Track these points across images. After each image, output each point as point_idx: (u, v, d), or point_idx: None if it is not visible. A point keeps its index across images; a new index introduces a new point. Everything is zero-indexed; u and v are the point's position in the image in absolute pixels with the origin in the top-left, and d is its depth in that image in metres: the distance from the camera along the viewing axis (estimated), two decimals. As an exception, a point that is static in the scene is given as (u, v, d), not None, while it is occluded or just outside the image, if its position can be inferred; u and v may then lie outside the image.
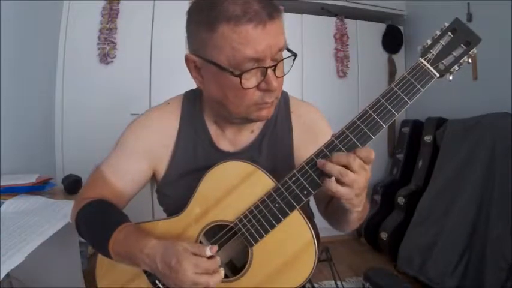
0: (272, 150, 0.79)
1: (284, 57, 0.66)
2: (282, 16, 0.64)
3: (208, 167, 0.70)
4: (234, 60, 0.60)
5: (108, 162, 0.79)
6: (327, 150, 0.62)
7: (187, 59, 0.68)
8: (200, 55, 0.65)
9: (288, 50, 0.66)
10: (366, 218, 0.78)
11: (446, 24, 0.63)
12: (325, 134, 0.79)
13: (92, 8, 2.12)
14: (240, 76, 0.61)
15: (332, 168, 0.58)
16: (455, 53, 0.63)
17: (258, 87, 0.64)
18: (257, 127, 0.80)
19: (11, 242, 0.90)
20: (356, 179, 0.57)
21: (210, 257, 0.63)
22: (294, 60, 0.67)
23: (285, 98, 0.82)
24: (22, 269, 0.84)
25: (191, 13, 0.66)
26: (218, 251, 0.71)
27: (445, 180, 2.07)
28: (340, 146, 0.62)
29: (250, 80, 0.63)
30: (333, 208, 0.74)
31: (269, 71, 0.62)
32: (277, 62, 0.63)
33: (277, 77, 0.64)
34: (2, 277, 0.74)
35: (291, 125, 0.80)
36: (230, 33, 0.59)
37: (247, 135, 0.79)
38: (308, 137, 0.79)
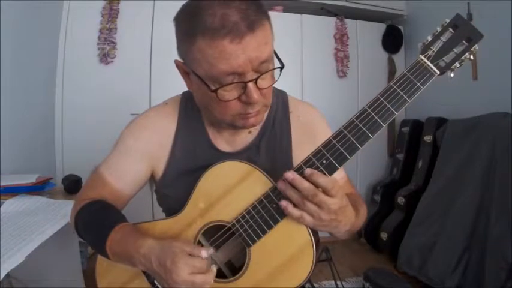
0: (270, 150, 0.78)
1: (269, 69, 0.62)
2: (268, 23, 0.61)
3: (207, 167, 0.70)
4: (211, 74, 0.59)
5: (107, 163, 0.79)
6: (325, 150, 0.62)
7: (176, 64, 0.69)
8: (185, 62, 0.65)
9: (277, 57, 0.64)
10: (366, 218, 0.77)
11: (447, 20, 0.61)
12: (323, 134, 0.78)
13: (92, 8, 2.12)
14: (215, 92, 0.60)
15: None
16: (457, 50, 0.61)
17: (239, 99, 0.63)
18: (255, 128, 0.79)
19: (11, 242, 0.90)
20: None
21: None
22: (281, 71, 0.64)
23: (283, 98, 0.82)
24: (22, 269, 0.84)
25: (176, 21, 0.64)
26: (216, 251, 0.71)
27: (445, 180, 2.07)
28: (338, 145, 0.61)
29: (231, 93, 0.62)
30: None
31: (250, 84, 0.60)
32: (259, 74, 0.60)
33: (260, 88, 0.62)
34: (2, 277, 0.74)
35: (290, 125, 0.80)
36: (206, 48, 0.57)
37: (245, 136, 0.79)
38: (307, 138, 0.79)
